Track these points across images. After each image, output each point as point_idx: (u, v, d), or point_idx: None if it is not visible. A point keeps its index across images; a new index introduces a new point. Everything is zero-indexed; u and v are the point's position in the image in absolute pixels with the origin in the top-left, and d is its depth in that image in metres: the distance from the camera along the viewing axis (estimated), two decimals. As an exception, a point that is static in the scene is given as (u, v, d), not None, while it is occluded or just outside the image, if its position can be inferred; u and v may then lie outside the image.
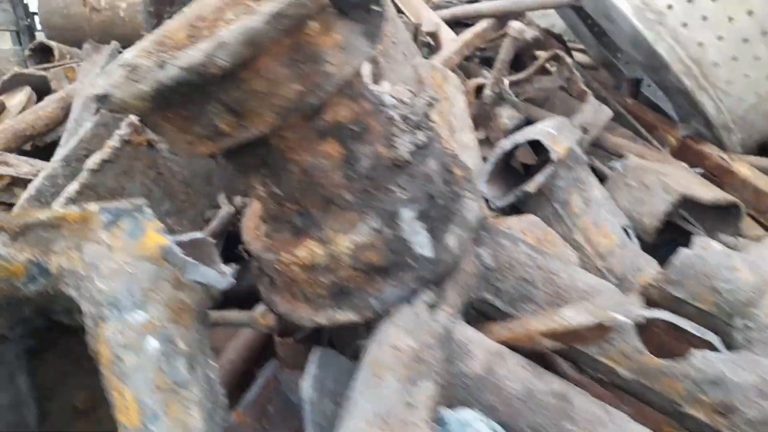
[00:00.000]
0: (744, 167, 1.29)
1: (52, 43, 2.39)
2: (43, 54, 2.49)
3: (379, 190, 0.73)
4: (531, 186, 1.07)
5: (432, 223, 0.74)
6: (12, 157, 1.30)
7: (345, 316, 0.74)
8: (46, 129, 1.35)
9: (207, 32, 0.85)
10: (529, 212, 1.11)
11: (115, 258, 0.60)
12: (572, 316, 0.65)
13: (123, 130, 1.03)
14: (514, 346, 0.73)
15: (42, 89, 1.82)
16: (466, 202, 0.79)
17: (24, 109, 1.68)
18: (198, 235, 0.68)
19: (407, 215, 0.72)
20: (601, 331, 0.67)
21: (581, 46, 1.98)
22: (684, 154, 1.40)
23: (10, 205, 1.18)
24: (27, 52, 2.45)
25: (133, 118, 1.06)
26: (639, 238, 1.12)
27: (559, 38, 1.71)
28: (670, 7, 1.19)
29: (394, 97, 0.82)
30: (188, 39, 0.82)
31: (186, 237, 0.67)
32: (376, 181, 0.73)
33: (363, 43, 0.65)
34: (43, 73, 1.77)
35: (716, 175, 1.30)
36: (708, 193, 1.11)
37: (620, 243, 1.06)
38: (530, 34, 1.22)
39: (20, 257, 0.60)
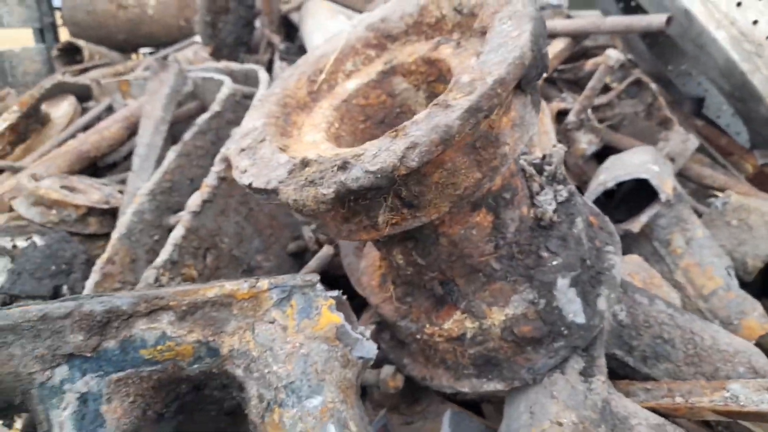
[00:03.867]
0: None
1: (81, 43, 2.31)
2: (70, 54, 2.40)
3: (528, 256, 0.69)
4: (635, 226, 1.05)
5: (583, 287, 0.71)
6: (77, 180, 1.24)
7: (491, 385, 0.71)
8: (110, 150, 1.29)
9: (326, 86, 0.80)
10: (627, 250, 1.08)
11: (289, 339, 0.57)
12: (749, 397, 0.62)
13: (218, 167, 0.98)
14: (665, 414, 0.71)
15: (83, 98, 1.76)
16: (609, 258, 0.76)
17: (71, 121, 1.61)
18: (336, 292, 0.64)
19: (562, 284, 0.69)
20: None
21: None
22: (762, 181, 1.39)
23: (85, 236, 1.13)
24: (55, 52, 2.36)
25: (226, 152, 1.01)
26: (738, 277, 1.10)
27: (632, 61, 1.68)
28: (769, 39, 1.16)
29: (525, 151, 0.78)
30: (309, 96, 0.77)
31: (333, 293, 0.62)
32: (523, 245, 0.70)
33: (532, 115, 0.61)
34: (87, 82, 1.70)
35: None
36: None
37: (724, 285, 1.04)
38: (621, 59, 1.18)
39: (188, 338, 0.56)
